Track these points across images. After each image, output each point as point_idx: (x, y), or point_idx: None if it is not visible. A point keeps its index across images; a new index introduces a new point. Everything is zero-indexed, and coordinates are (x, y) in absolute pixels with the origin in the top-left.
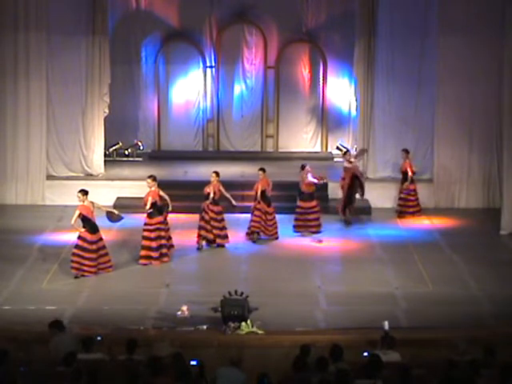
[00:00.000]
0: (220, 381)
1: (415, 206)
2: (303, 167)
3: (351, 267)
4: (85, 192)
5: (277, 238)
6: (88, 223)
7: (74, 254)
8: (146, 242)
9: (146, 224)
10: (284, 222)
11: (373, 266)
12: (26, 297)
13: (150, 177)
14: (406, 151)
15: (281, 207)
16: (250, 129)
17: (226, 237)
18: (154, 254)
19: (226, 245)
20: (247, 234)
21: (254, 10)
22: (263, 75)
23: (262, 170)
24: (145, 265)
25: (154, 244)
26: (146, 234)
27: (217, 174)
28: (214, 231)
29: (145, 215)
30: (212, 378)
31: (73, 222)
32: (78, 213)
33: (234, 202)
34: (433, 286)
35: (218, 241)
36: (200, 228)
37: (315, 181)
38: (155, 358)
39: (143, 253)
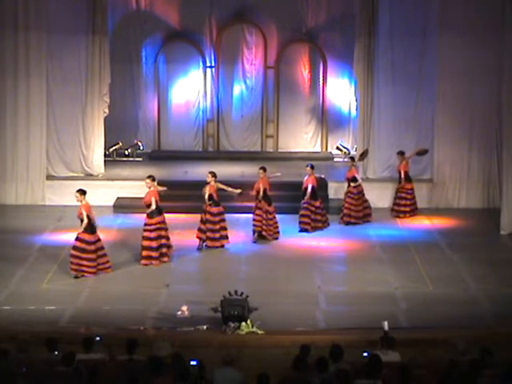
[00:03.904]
0: (217, 382)
1: (411, 205)
2: (312, 167)
3: (351, 267)
4: (83, 192)
5: (276, 239)
6: (89, 223)
7: (72, 256)
8: (146, 242)
9: (146, 224)
10: (284, 222)
11: (373, 266)
12: (26, 297)
13: (149, 177)
14: (401, 153)
15: (281, 207)
16: (249, 129)
17: (225, 237)
18: (155, 254)
19: (226, 245)
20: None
21: (253, 10)
22: (263, 75)
23: (263, 168)
24: (146, 265)
25: (154, 244)
26: (146, 234)
27: (213, 174)
28: (208, 233)
29: (144, 215)
30: (210, 379)
31: (86, 220)
32: (85, 213)
33: (236, 191)
34: (433, 286)
35: (208, 242)
36: (198, 228)
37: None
38: (155, 358)
39: (144, 253)
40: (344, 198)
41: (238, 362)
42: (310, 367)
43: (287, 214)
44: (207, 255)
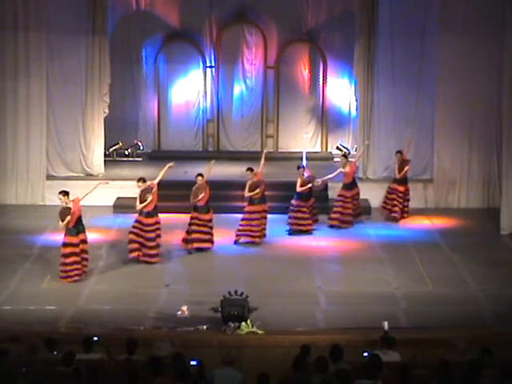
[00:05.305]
0: (217, 382)
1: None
2: (299, 167)
3: (351, 267)
4: (66, 193)
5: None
6: (81, 223)
7: (83, 259)
8: (160, 240)
9: (156, 223)
10: (283, 222)
11: (373, 266)
12: (26, 297)
13: (139, 180)
14: (400, 153)
15: (280, 207)
16: (249, 129)
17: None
18: (160, 251)
19: (213, 247)
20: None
21: (254, 10)
22: (263, 75)
23: (250, 169)
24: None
25: (160, 241)
26: (158, 232)
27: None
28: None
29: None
30: (209, 379)
31: (66, 223)
32: (73, 218)
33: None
34: (433, 286)
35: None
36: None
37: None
38: (155, 358)
39: (160, 250)
40: (351, 202)
41: (238, 362)
42: (310, 367)
43: (286, 214)
44: (207, 255)
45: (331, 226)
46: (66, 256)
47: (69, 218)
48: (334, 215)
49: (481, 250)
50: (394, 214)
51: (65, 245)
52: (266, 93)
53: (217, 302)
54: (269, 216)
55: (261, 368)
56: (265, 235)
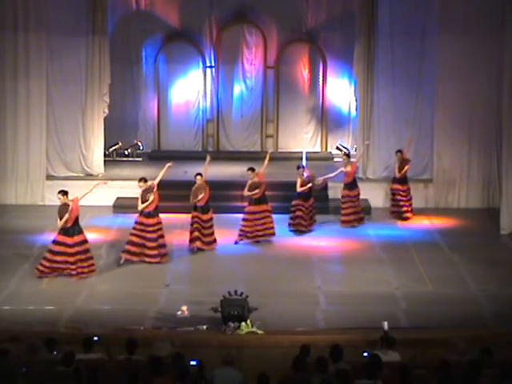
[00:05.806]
0: (217, 382)
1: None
2: (299, 167)
3: (351, 267)
4: (65, 192)
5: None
6: (78, 225)
7: (87, 259)
8: (162, 240)
9: (159, 223)
10: (283, 222)
11: (373, 266)
12: (26, 297)
13: (140, 180)
14: (401, 152)
15: (280, 207)
16: (249, 129)
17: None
18: (164, 251)
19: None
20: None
21: (254, 10)
22: (263, 75)
23: (252, 169)
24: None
25: (164, 241)
26: (161, 232)
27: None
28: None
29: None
30: (209, 379)
31: (63, 223)
32: (72, 216)
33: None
34: (433, 286)
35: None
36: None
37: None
38: (155, 358)
39: (164, 251)
40: (356, 201)
41: (238, 362)
42: (309, 367)
43: (286, 214)
44: (207, 255)
45: (344, 227)
46: (52, 253)
47: (67, 215)
48: (345, 218)
49: (481, 250)
50: (404, 215)
51: (55, 242)
52: (266, 93)
53: (217, 302)
54: None
55: (261, 368)
56: (273, 234)
